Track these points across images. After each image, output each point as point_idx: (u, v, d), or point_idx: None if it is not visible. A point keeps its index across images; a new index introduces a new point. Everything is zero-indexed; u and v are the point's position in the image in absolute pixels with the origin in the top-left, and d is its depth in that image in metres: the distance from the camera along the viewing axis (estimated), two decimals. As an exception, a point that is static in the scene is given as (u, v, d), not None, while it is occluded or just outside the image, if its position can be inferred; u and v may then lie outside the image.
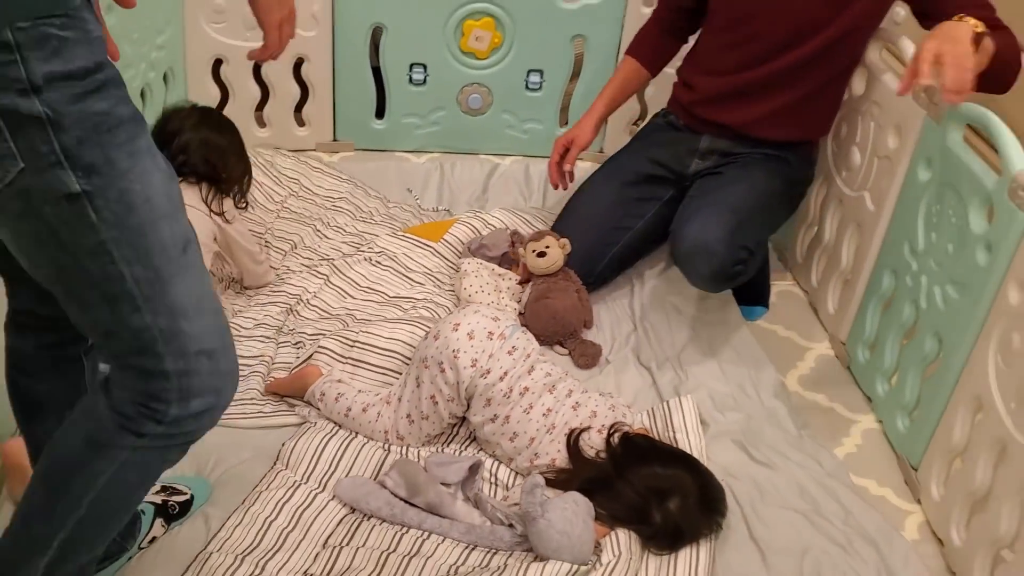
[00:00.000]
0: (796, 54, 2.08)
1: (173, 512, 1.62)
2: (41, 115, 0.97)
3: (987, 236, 1.73)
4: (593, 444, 1.78)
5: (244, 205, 2.16)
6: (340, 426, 1.86)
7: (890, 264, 2.05)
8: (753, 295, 2.37)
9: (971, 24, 1.72)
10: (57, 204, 1.01)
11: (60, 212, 1.02)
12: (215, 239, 2.05)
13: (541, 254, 2.17)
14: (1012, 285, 1.65)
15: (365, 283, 2.21)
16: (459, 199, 2.67)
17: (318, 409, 1.88)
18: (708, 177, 2.23)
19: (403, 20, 2.66)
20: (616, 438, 1.77)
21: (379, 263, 2.25)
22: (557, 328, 2.13)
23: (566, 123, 2.88)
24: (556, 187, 2.37)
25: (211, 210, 2.02)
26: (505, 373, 1.76)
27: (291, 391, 1.91)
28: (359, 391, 1.87)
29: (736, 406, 2.01)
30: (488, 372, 1.75)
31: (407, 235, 2.35)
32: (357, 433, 1.84)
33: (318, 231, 2.41)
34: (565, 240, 2.19)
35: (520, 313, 2.18)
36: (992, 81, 1.78)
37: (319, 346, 1.96)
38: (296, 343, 2.04)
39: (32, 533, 1.25)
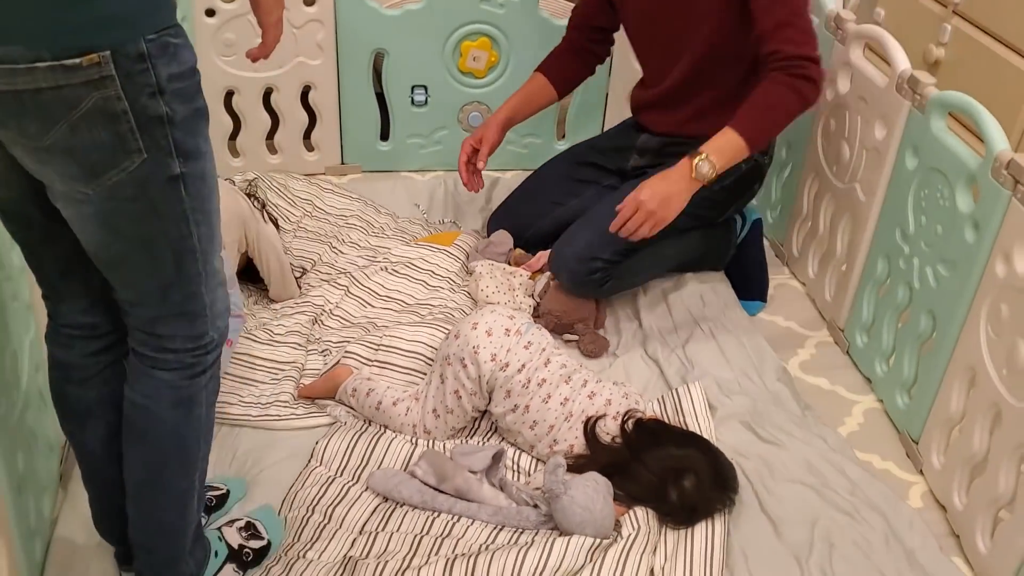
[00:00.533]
0: (683, 67, 2.23)
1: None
2: (163, 114, 1.14)
3: (974, 215, 1.83)
4: (609, 430, 1.87)
5: None
6: (371, 420, 1.96)
7: (883, 250, 2.14)
8: (751, 290, 2.48)
9: (685, 165, 1.99)
10: (162, 185, 1.19)
11: (162, 190, 1.20)
12: (245, 236, 2.18)
13: None
14: (999, 258, 1.75)
15: (383, 292, 2.31)
16: (465, 212, 2.77)
17: (350, 406, 1.98)
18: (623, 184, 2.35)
19: (403, 45, 2.77)
20: (630, 424, 1.87)
21: (396, 271, 2.35)
22: (571, 307, 2.24)
23: (563, 136, 2.99)
24: (468, 187, 2.43)
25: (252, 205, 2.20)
26: (523, 365, 1.86)
27: (323, 392, 2.01)
28: (388, 387, 1.97)
29: (741, 390, 2.09)
30: (507, 365, 1.85)
31: (420, 243, 2.46)
32: (386, 427, 1.94)
33: (334, 247, 2.51)
34: None
35: (537, 303, 2.29)
36: (776, 127, 2.05)
37: (346, 351, 2.06)
38: (323, 351, 2.13)
39: (179, 488, 1.44)
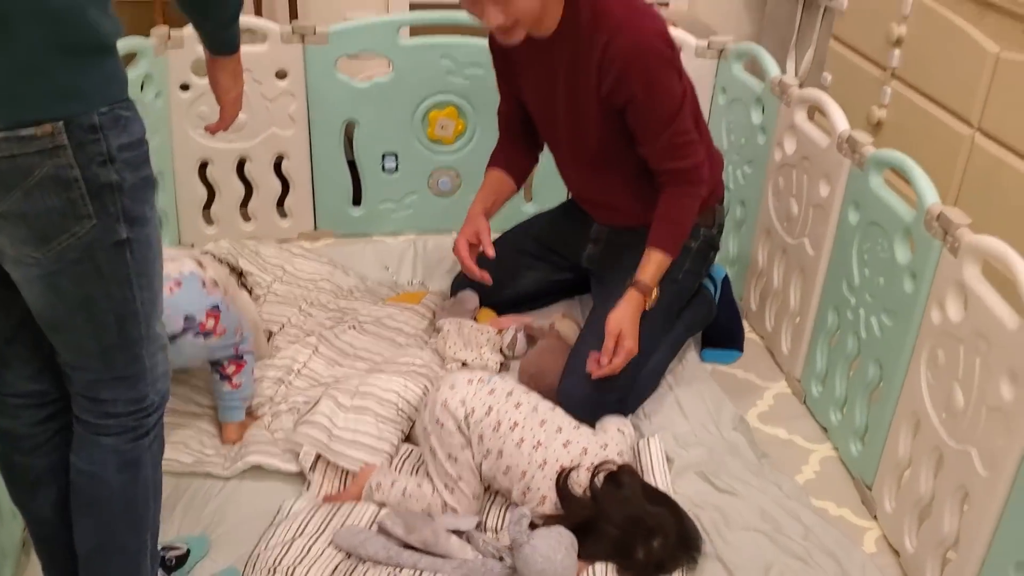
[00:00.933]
0: (581, 163, 2.33)
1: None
2: (113, 182, 1.21)
3: (911, 266, 1.91)
4: (581, 483, 1.87)
5: None
6: (399, 508, 1.91)
7: (832, 302, 2.22)
8: (731, 341, 2.58)
9: (640, 301, 2.15)
10: (108, 250, 1.25)
11: (108, 255, 1.25)
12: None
13: (576, 322, 2.49)
14: (934, 306, 1.83)
15: (352, 351, 2.37)
16: (434, 272, 2.84)
17: (381, 502, 1.94)
18: (592, 299, 2.46)
19: (373, 115, 2.88)
20: (600, 479, 1.87)
21: (365, 330, 2.41)
22: (550, 368, 2.29)
23: (531, 199, 3.08)
24: (484, 281, 2.38)
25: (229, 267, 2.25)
26: (489, 408, 1.89)
27: (351, 498, 1.97)
28: (406, 474, 1.99)
29: (698, 441, 2.15)
30: (474, 411, 1.89)
31: (389, 303, 2.53)
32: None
33: (303, 310, 2.57)
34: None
35: (505, 358, 2.39)
36: (687, 229, 2.20)
37: (327, 392, 2.10)
38: (289, 409, 2.16)
39: (130, 550, 1.47)
